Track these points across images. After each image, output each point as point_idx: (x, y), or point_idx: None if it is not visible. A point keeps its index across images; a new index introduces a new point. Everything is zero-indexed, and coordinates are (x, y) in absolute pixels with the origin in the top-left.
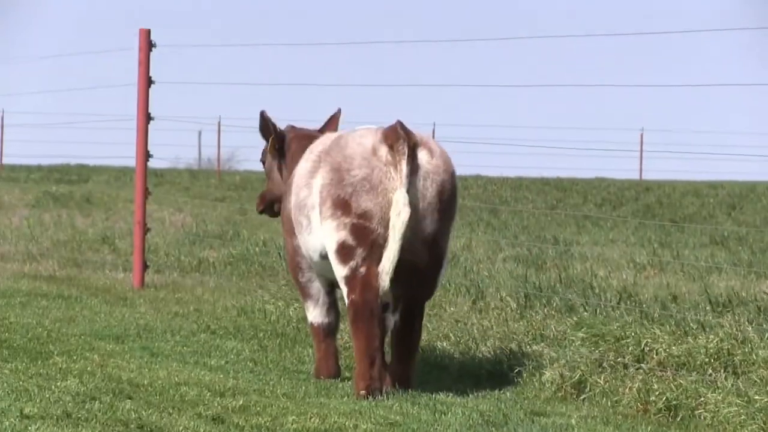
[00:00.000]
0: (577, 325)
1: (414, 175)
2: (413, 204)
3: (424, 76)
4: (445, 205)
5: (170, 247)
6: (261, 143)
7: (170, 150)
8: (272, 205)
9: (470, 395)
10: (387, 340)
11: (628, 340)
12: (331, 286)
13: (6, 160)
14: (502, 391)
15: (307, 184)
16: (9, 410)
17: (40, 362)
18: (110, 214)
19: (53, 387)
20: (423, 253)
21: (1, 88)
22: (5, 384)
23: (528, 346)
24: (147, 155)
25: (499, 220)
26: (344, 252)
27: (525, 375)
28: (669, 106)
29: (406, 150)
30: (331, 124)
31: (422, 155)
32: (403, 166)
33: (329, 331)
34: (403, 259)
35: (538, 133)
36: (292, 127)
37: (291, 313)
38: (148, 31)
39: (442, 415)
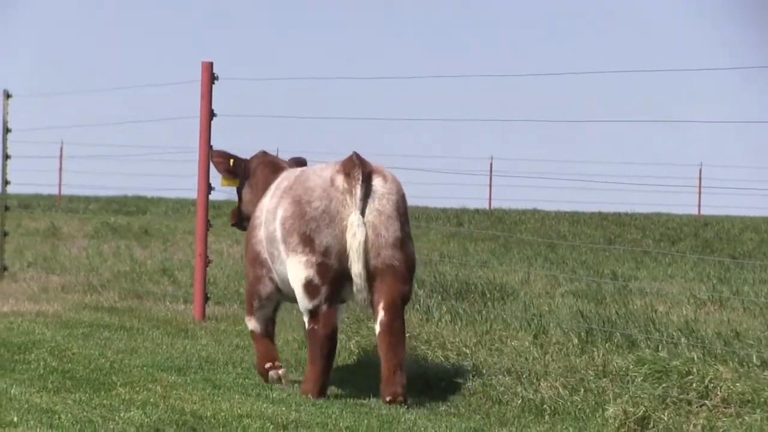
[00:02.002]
0: (639, 361)
1: (369, 198)
2: (371, 221)
3: (481, 110)
4: (401, 216)
5: (230, 279)
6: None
7: None
8: (242, 222)
9: (532, 430)
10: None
11: (692, 377)
12: (275, 310)
13: (65, 191)
14: (564, 427)
15: (274, 218)
16: None
17: (103, 393)
18: (168, 246)
19: (117, 418)
20: (395, 254)
21: (61, 120)
22: (69, 415)
23: (590, 382)
24: (209, 188)
25: (557, 255)
26: (310, 289)
27: (588, 410)
28: (728, 140)
29: (360, 176)
30: (298, 163)
31: (377, 181)
32: (358, 190)
33: (267, 333)
34: (383, 266)
35: (596, 168)
36: (264, 153)
37: (352, 346)
38: (211, 64)
39: None
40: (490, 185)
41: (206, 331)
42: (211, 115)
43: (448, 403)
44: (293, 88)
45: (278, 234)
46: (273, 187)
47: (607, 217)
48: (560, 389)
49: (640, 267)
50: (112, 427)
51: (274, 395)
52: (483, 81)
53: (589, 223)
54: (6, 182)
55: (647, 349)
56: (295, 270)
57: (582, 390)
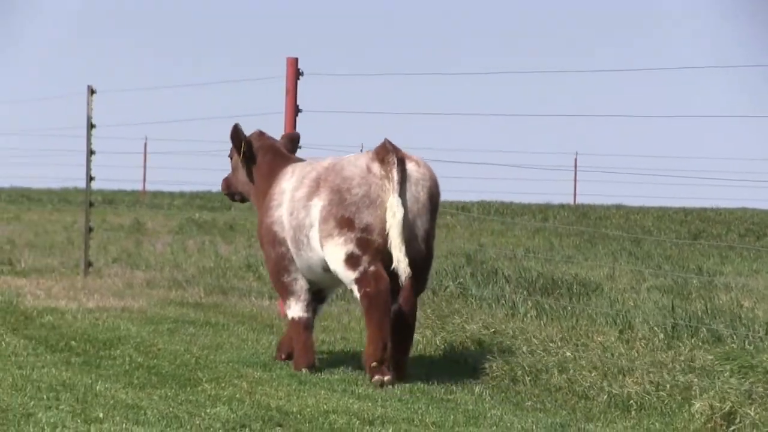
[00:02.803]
0: (725, 356)
1: (405, 183)
2: (408, 207)
3: (566, 105)
4: (434, 206)
5: None
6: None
7: None
8: (233, 194)
9: (618, 426)
10: None
11: None
12: (311, 284)
13: (149, 187)
14: (651, 422)
15: (305, 207)
16: None
17: (189, 389)
18: (253, 241)
19: (203, 414)
20: (421, 249)
21: (145, 116)
22: (155, 410)
23: (676, 377)
24: None
25: (642, 250)
26: (352, 261)
27: (674, 406)
28: None
29: (395, 161)
30: (292, 140)
31: (411, 166)
32: (395, 174)
33: (308, 325)
34: (409, 258)
35: (681, 163)
36: (260, 134)
37: (438, 341)
38: (296, 60)
39: None
40: (575, 180)
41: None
42: (296, 110)
43: (534, 399)
44: (377, 84)
45: (308, 221)
46: (294, 175)
47: (691, 213)
48: (646, 384)
49: (725, 262)
50: (198, 422)
51: (360, 391)
52: (569, 76)
53: (673, 218)
54: (90, 178)
55: (733, 345)
56: (335, 252)
57: (668, 385)
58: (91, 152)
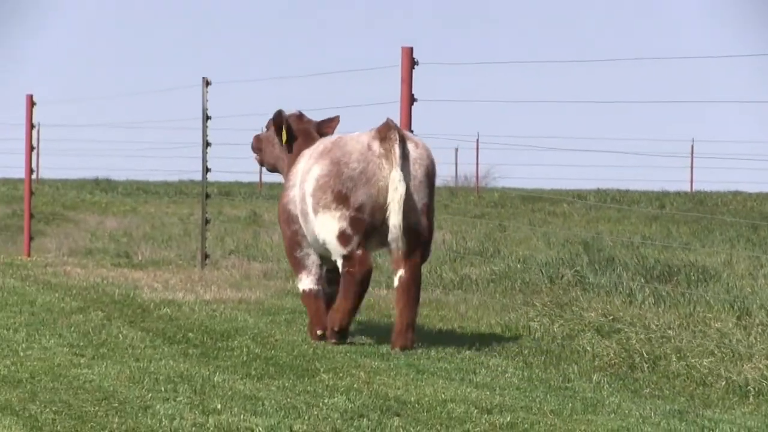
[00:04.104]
0: None
1: (405, 161)
2: (407, 182)
3: (682, 92)
4: (430, 183)
5: (432, 264)
6: (517, 160)
7: None
8: (262, 160)
9: (737, 412)
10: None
11: None
12: (323, 259)
13: (265, 178)
14: None
15: (308, 177)
16: (278, 427)
17: (306, 379)
18: None
19: (321, 404)
20: (422, 220)
21: (260, 106)
22: (273, 401)
23: None
24: None
25: (759, 236)
26: (344, 238)
27: None
28: None
29: (397, 138)
30: (330, 124)
31: (410, 146)
32: (396, 151)
33: (318, 296)
34: (408, 229)
35: None
36: (299, 117)
37: (555, 329)
38: (411, 49)
39: None
40: (692, 167)
41: None
42: (412, 100)
43: (652, 386)
44: (492, 73)
45: (310, 188)
46: (307, 153)
47: None
48: (764, 370)
49: None
50: (315, 413)
51: (477, 380)
52: (685, 62)
53: None
54: (207, 169)
55: None
56: (329, 224)
57: None
58: (207, 144)
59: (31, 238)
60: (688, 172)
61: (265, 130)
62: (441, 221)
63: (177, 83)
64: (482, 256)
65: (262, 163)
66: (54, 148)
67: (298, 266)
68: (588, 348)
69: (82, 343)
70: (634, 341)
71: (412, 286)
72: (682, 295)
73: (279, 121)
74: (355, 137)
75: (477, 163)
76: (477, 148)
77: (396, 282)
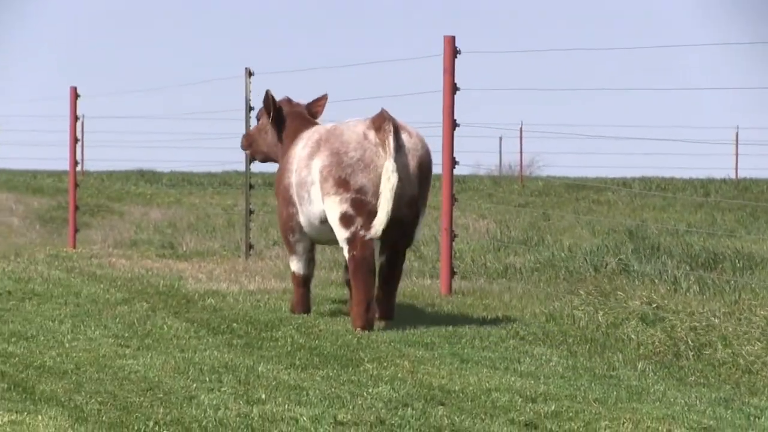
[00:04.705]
0: None
1: (399, 152)
2: (399, 172)
3: (727, 78)
4: (423, 174)
5: (475, 253)
6: (561, 148)
7: (470, 156)
8: (255, 153)
9: None
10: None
11: None
12: (313, 245)
13: None
14: None
15: (307, 166)
16: (322, 417)
17: (351, 369)
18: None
19: (365, 393)
20: (407, 211)
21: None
22: (318, 391)
23: None
24: (453, 162)
25: None
26: (346, 220)
27: None
28: None
29: (391, 129)
30: (318, 103)
31: (404, 136)
32: (390, 141)
33: (306, 279)
34: (392, 217)
35: None
36: (288, 101)
37: (600, 318)
38: (453, 38)
39: (756, 419)
40: (737, 154)
41: (453, 306)
42: (454, 89)
43: (698, 373)
44: (535, 61)
45: (310, 179)
46: (304, 138)
47: None
48: None
49: None
50: (360, 402)
51: (522, 368)
52: (729, 48)
53: None
54: (250, 160)
55: None
56: (332, 208)
57: None
58: None
59: (76, 230)
60: (733, 159)
61: (256, 121)
62: (485, 210)
63: (220, 74)
64: (526, 244)
65: (254, 157)
66: (98, 139)
67: (290, 249)
68: (633, 336)
69: (127, 334)
70: (679, 329)
71: (394, 273)
72: (727, 283)
73: (267, 101)
74: (351, 126)
75: (521, 152)
76: (521, 137)
77: (378, 267)
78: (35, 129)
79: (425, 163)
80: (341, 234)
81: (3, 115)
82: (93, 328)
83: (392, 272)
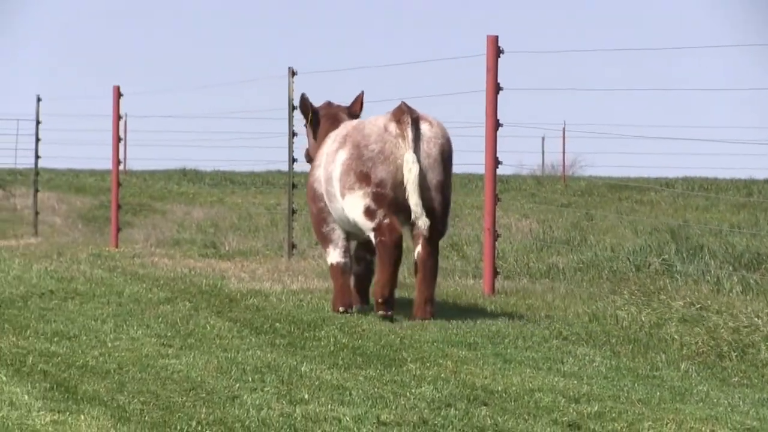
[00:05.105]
0: None
1: (419, 141)
2: (422, 161)
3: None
4: (446, 161)
5: (518, 253)
6: (604, 148)
7: (513, 156)
8: (310, 161)
9: None
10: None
11: None
12: (348, 235)
13: None
14: None
15: (334, 161)
16: (366, 417)
17: (394, 369)
18: (457, 221)
19: (408, 394)
20: (436, 197)
21: (347, 96)
22: (361, 391)
23: None
24: (496, 162)
25: None
26: (369, 213)
27: None
28: None
29: (409, 121)
30: (356, 102)
31: (424, 126)
32: (409, 133)
33: (345, 269)
34: (426, 206)
35: None
36: (328, 104)
37: (643, 318)
38: (496, 38)
39: None
40: None
41: (496, 306)
42: (498, 89)
43: (741, 374)
44: (579, 61)
45: (336, 173)
46: (332, 135)
47: None
48: None
49: None
50: (403, 402)
51: (565, 369)
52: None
53: None
54: (293, 160)
55: None
56: (354, 204)
57: None
58: (293, 134)
59: (118, 229)
60: None
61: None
62: (528, 210)
63: (262, 74)
64: (569, 244)
65: (310, 161)
66: (141, 138)
67: (325, 241)
68: (676, 337)
69: (169, 334)
70: (722, 330)
71: (429, 262)
72: None
73: (302, 103)
74: (373, 120)
75: (564, 152)
76: (563, 137)
77: (415, 257)
78: (78, 128)
79: (446, 150)
80: (367, 225)
81: (45, 114)
82: (135, 328)
83: (430, 262)
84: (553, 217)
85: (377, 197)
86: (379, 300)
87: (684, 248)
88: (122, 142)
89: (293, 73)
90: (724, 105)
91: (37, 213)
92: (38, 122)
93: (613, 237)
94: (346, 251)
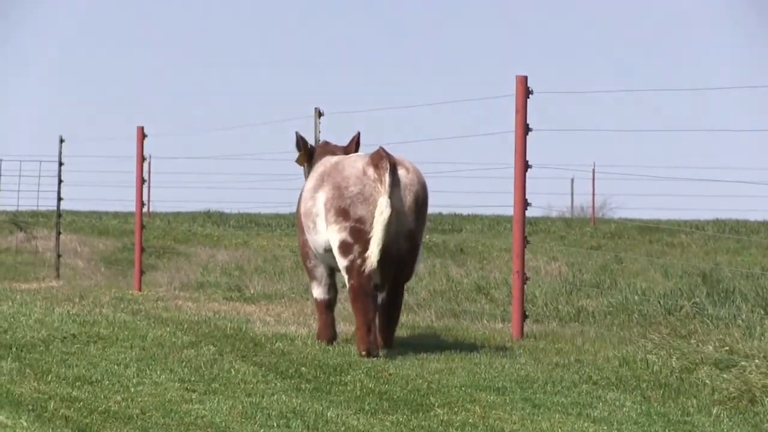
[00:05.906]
0: None
1: (396, 187)
2: (396, 207)
3: None
4: (419, 208)
5: (547, 296)
6: (634, 190)
7: (542, 198)
8: None
9: None
10: None
11: None
12: (331, 270)
13: None
14: None
15: (312, 197)
16: None
17: (421, 414)
18: (484, 264)
19: None
20: (404, 244)
21: (373, 136)
22: None
23: None
24: (525, 204)
25: None
26: (345, 248)
27: None
28: None
29: (387, 167)
30: (352, 143)
31: (401, 172)
32: (386, 179)
33: (329, 304)
34: (390, 251)
35: None
36: (325, 143)
37: (674, 362)
38: (525, 78)
39: None
40: None
41: (524, 350)
42: (527, 129)
43: None
44: (608, 101)
45: (315, 210)
46: (315, 171)
47: None
48: None
49: None
50: None
51: (595, 414)
52: None
53: None
54: None
55: None
56: (333, 237)
57: None
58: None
59: (142, 272)
60: None
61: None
62: (557, 253)
63: (287, 115)
64: (599, 287)
65: None
66: (165, 180)
67: (310, 275)
68: (707, 381)
69: (193, 378)
70: (753, 374)
71: (394, 304)
72: None
73: (297, 141)
74: (352, 162)
75: (593, 194)
76: (593, 178)
77: (381, 300)
78: (101, 169)
79: (421, 197)
80: (341, 262)
81: (69, 155)
82: (159, 372)
83: (393, 305)
84: (582, 260)
85: (354, 232)
86: (362, 353)
87: (715, 291)
88: (146, 184)
89: (320, 114)
90: (755, 145)
91: (59, 255)
92: (61, 163)
93: (643, 280)
94: (330, 287)
